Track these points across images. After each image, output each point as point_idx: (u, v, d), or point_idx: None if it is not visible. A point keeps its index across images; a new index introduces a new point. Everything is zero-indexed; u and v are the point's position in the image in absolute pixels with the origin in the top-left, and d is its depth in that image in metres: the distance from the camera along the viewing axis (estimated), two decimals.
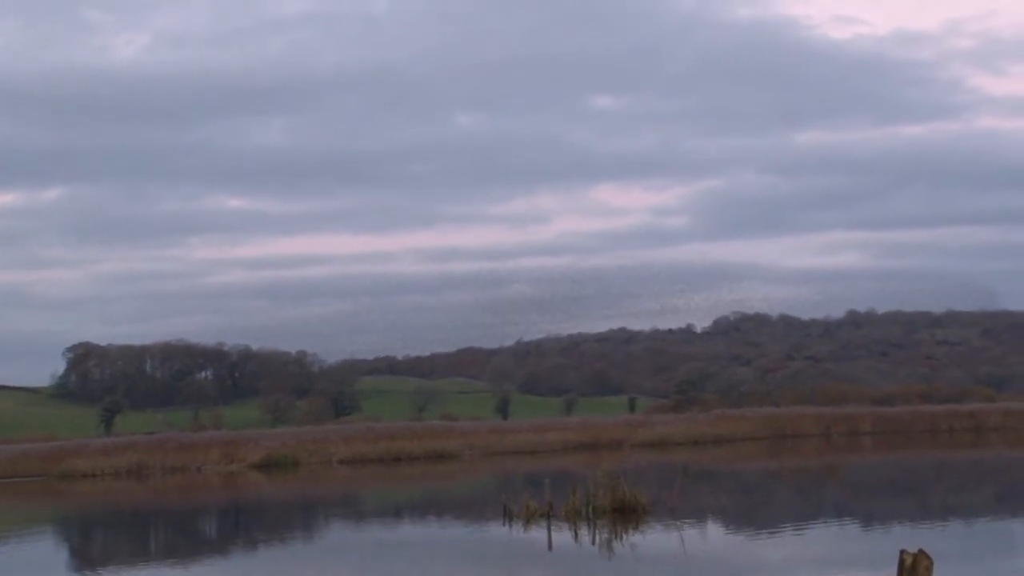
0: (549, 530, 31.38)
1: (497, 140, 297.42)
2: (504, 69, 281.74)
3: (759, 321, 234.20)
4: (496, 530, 32.43)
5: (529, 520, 33.58)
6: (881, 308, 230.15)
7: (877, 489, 44.75)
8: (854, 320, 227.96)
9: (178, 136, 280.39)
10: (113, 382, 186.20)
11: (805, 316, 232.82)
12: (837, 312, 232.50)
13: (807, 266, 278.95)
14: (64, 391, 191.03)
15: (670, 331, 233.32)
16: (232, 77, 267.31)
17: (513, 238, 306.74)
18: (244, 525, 40.78)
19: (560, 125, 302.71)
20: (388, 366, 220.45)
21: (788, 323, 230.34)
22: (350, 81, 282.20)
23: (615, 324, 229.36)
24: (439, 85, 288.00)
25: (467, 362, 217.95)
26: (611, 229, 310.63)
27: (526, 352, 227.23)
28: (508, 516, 34.28)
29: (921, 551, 13.36)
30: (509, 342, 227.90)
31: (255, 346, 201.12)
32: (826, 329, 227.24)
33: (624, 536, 29.69)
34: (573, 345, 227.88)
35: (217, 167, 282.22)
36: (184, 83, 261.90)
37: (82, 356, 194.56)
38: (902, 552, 13.43)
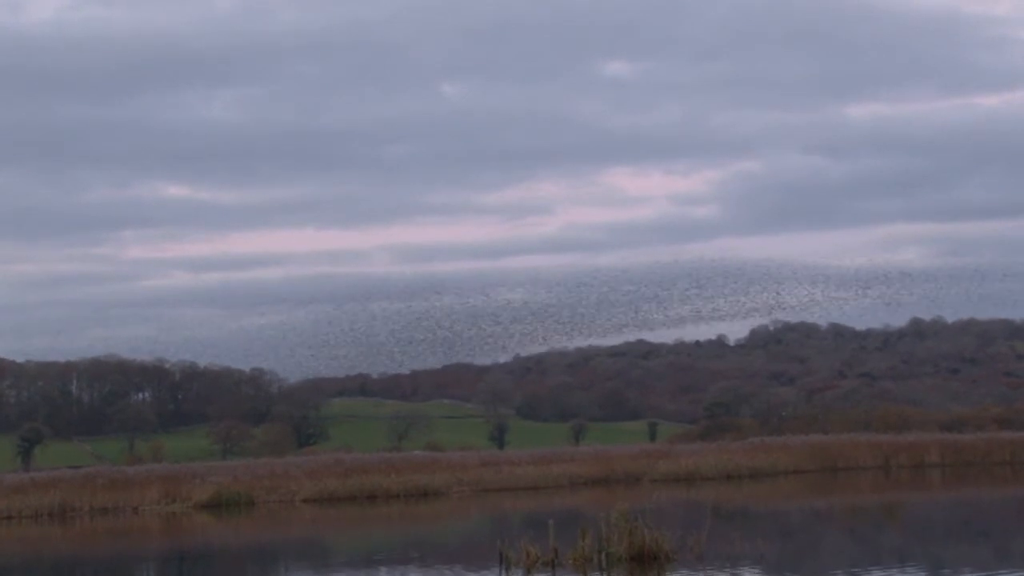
0: None
1: (489, 115, 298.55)
2: (498, 31, 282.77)
3: (804, 332, 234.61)
4: None
5: (530, 569, 33.58)
6: (950, 316, 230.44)
7: (946, 532, 44.72)
8: (918, 330, 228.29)
9: (105, 110, 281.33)
10: (31, 406, 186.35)
11: (859, 326, 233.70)
12: (898, 321, 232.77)
13: (861, 265, 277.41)
14: None
15: (697, 344, 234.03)
16: (171, 40, 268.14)
17: (508, 232, 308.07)
18: None
19: (565, 97, 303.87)
20: (360, 386, 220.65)
21: (839, 334, 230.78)
22: (311, 45, 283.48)
23: (631, 336, 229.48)
24: (420, 50, 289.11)
25: (455, 381, 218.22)
26: (626, 221, 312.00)
27: (525, 369, 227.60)
28: (505, 564, 34.28)
29: None
30: (504, 357, 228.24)
31: (201, 363, 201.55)
32: (885, 341, 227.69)
33: None
34: (581, 361, 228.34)
35: (153, 148, 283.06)
36: (113, 47, 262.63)
37: None
38: None
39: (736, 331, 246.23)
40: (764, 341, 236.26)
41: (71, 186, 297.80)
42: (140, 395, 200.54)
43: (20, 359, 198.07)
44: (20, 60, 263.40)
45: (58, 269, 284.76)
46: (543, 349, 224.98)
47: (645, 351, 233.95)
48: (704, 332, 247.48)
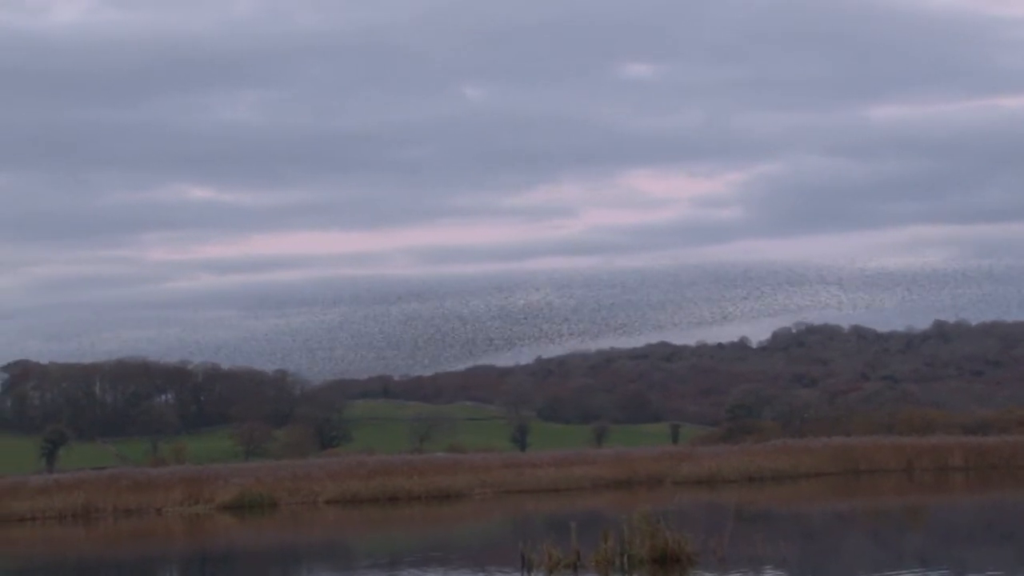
0: None
1: (510, 118, 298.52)
2: (519, 33, 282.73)
3: (827, 334, 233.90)
4: None
5: (552, 571, 33.60)
6: (974, 318, 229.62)
7: (970, 535, 44.57)
8: (941, 332, 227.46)
9: (126, 113, 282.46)
10: (56, 408, 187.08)
11: (882, 328, 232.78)
12: (921, 323, 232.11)
13: (885, 267, 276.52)
14: None
15: (719, 346, 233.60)
16: (191, 43, 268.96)
17: (530, 235, 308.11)
18: None
19: (586, 99, 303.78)
20: (383, 388, 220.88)
21: (862, 336, 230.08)
22: (331, 47, 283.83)
23: (653, 338, 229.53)
24: (441, 52, 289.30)
25: (477, 383, 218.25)
26: (648, 223, 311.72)
27: (547, 371, 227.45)
28: (527, 567, 34.30)
29: None
30: (526, 359, 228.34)
31: (224, 365, 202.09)
32: (908, 343, 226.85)
33: None
34: (603, 363, 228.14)
35: (174, 150, 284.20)
36: (133, 50, 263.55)
37: (19, 377, 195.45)
38: None
39: (758, 333, 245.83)
40: (786, 343, 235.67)
41: (93, 189, 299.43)
42: (163, 397, 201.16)
43: (44, 361, 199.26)
44: (42, 63, 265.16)
45: (81, 271, 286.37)
46: (565, 351, 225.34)
47: (667, 353, 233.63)
48: (726, 334, 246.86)
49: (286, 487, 75.87)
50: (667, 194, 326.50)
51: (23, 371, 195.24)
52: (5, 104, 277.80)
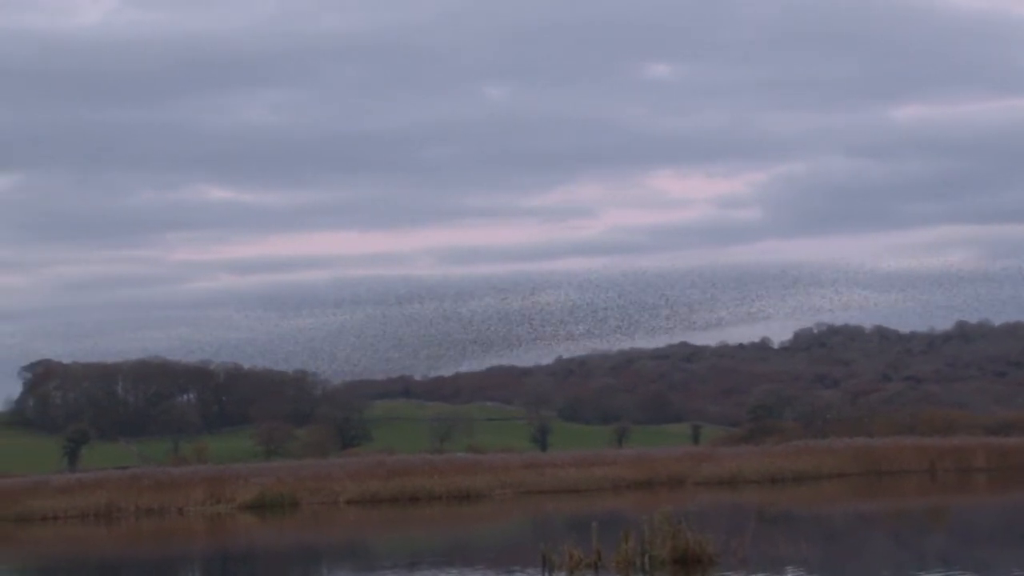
0: None
1: (531, 118, 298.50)
2: (540, 34, 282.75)
3: (848, 334, 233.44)
4: None
5: (573, 571, 33.58)
6: (997, 319, 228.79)
7: (992, 536, 44.40)
8: (963, 333, 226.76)
9: (149, 113, 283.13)
10: (78, 407, 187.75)
11: (904, 328, 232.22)
12: (943, 324, 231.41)
13: (906, 268, 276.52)
14: (20, 418, 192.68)
15: (741, 346, 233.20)
16: (215, 43, 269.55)
17: (550, 235, 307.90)
18: None
19: (607, 100, 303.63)
20: (403, 388, 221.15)
21: (884, 337, 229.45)
22: (354, 48, 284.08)
23: (674, 338, 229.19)
24: (462, 53, 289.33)
25: (497, 383, 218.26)
26: (669, 224, 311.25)
27: (567, 371, 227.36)
28: (548, 567, 34.29)
29: None
30: (547, 360, 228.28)
31: (246, 365, 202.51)
32: (930, 344, 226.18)
33: None
34: (624, 363, 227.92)
35: (197, 151, 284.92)
36: (157, 50, 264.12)
37: (41, 377, 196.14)
38: None
39: (780, 333, 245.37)
40: (808, 343, 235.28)
41: (116, 189, 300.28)
42: (185, 396, 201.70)
43: (66, 360, 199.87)
44: (67, 64, 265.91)
45: (103, 271, 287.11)
46: (586, 351, 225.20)
47: (688, 353, 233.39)
48: (747, 334, 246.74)
49: (307, 487, 76.04)
50: (688, 194, 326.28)
51: (45, 371, 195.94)
52: (27, 105, 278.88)
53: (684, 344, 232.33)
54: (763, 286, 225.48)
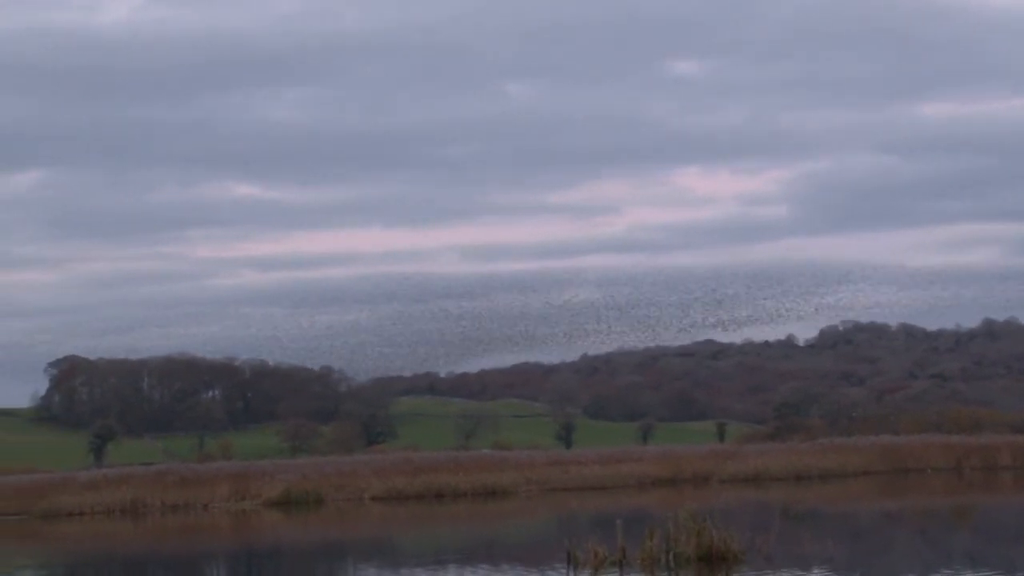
0: None
1: (555, 115, 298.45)
2: (564, 31, 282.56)
3: (874, 332, 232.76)
4: None
5: (598, 569, 33.60)
6: None
7: (1019, 535, 44.25)
8: (990, 331, 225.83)
9: (174, 111, 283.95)
10: (104, 403, 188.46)
11: (931, 326, 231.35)
12: (970, 321, 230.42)
13: (933, 265, 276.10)
14: (46, 414, 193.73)
15: (766, 344, 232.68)
16: (239, 41, 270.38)
17: (575, 232, 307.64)
18: (258, 575, 41.04)
19: (632, 97, 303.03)
20: (428, 385, 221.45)
21: (910, 334, 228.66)
22: (377, 45, 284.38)
23: (699, 336, 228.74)
24: (485, 50, 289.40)
25: (522, 380, 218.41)
26: (693, 221, 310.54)
27: (593, 369, 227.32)
28: (573, 564, 34.32)
29: None
30: (572, 357, 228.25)
31: (271, 361, 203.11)
32: (956, 342, 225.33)
33: None
34: (649, 361, 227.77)
35: (220, 148, 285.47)
36: (182, 48, 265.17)
37: (67, 373, 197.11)
38: None
39: (805, 331, 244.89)
40: (834, 341, 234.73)
41: (140, 186, 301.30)
42: (210, 393, 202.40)
43: (92, 357, 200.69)
44: (94, 60, 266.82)
45: (129, 268, 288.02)
46: (611, 348, 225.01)
47: (714, 351, 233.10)
48: (773, 332, 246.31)
49: (332, 484, 76.21)
50: (712, 192, 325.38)
51: (71, 367, 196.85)
52: (53, 102, 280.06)
53: (709, 342, 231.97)
54: (788, 284, 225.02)
